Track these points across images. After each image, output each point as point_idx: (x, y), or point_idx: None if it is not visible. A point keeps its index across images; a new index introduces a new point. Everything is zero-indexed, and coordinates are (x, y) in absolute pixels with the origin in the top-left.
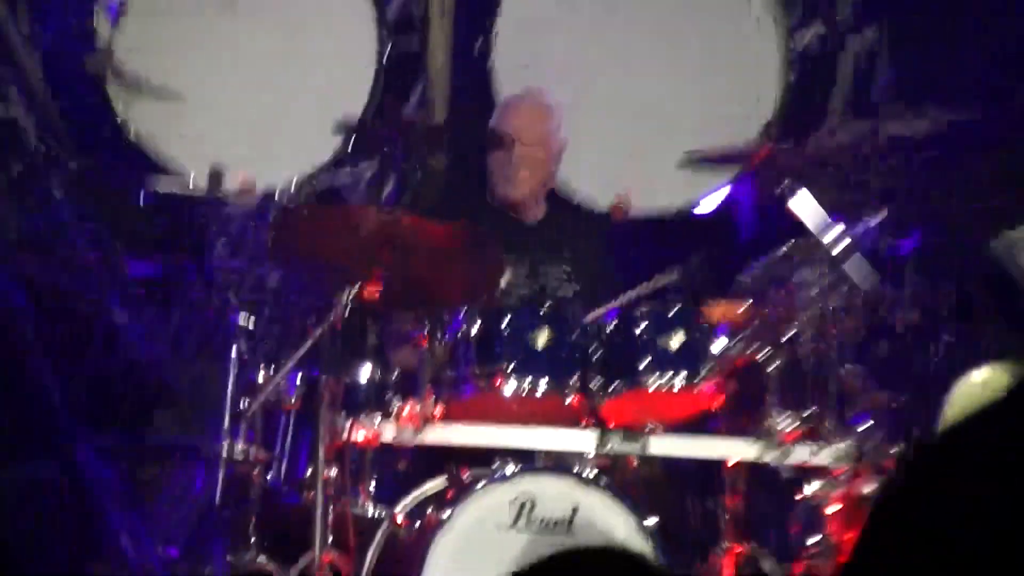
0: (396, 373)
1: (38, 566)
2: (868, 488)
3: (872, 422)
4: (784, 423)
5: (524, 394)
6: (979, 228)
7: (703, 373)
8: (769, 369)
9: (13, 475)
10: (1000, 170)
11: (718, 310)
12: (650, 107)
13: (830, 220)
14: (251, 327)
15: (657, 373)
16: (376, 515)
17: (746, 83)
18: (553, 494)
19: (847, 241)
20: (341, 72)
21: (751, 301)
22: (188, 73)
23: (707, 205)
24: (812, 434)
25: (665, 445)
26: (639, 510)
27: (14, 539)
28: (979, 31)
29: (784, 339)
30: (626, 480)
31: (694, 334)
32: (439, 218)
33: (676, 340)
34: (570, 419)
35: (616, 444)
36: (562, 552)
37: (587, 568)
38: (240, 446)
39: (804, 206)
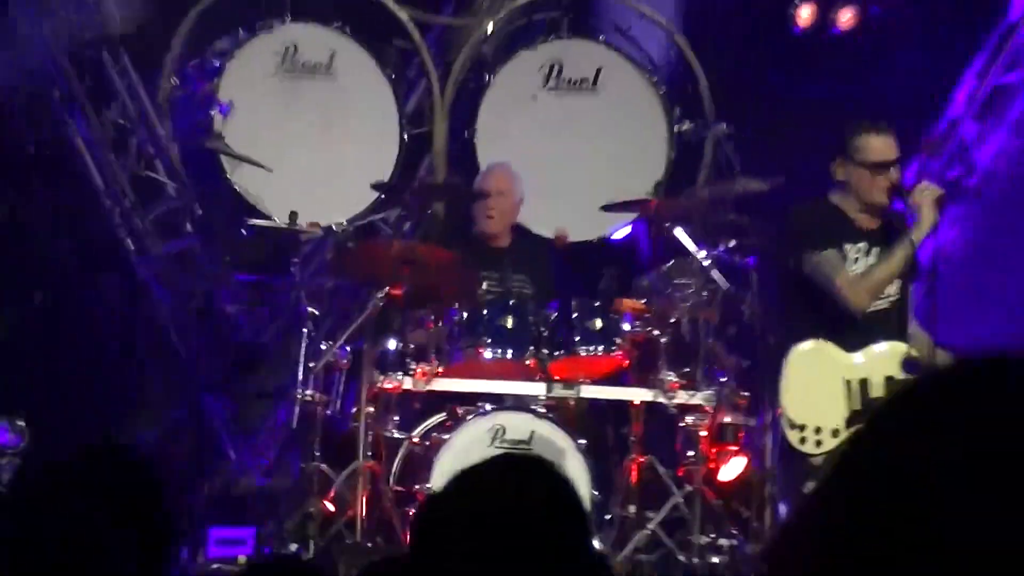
0: (412, 346)
1: (179, 476)
2: (727, 419)
3: (726, 377)
4: (670, 377)
5: (497, 359)
6: (795, 251)
7: (616, 345)
8: (661, 342)
9: (161, 420)
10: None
11: (626, 304)
12: (582, 171)
13: (698, 245)
14: (316, 315)
15: (586, 345)
16: (399, 437)
17: (644, 156)
18: (517, 423)
19: (710, 259)
20: (376, 148)
21: (648, 298)
22: (272, 148)
23: (618, 235)
24: (689, 384)
25: (592, 391)
26: (575, 434)
27: (161, 457)
28: (799, 124)
29: (670, 322)
30: (566, 414)
31: (610, 319)
32: (441, 246)
33: (598, 323)
34: (528, 375)
35: (559, 391)
36: (498, 456)
37: (516, 465)
38: (309, 392)
39: (682, 236)
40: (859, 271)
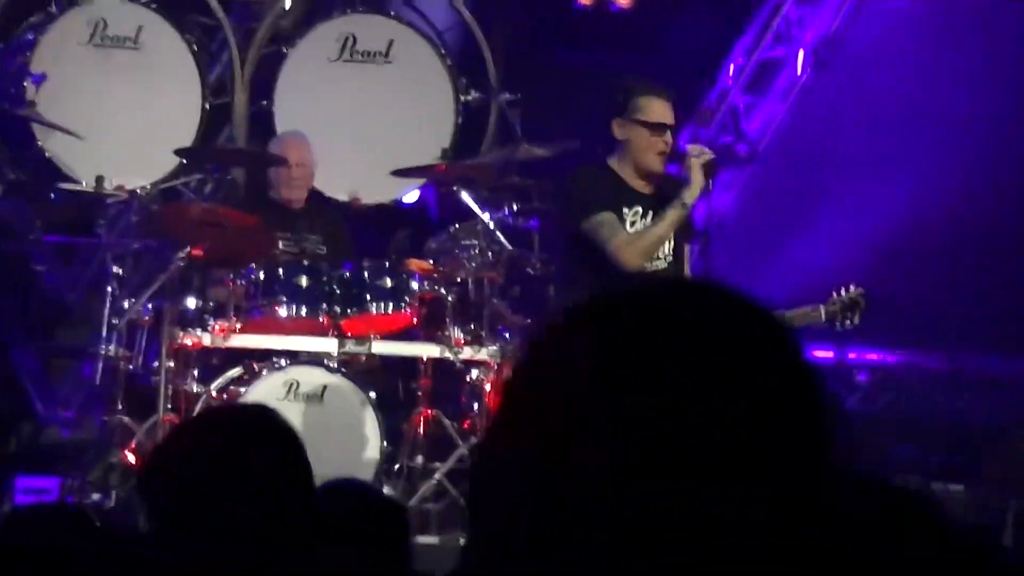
0: (212, 304)
1: None
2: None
3: (510, 335)
4: (457, 334)
5: (292, 316)
6: (574, 213)
7: (405, 303)
8: (448, 301)
9: None
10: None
11: (415, 264)
12: (374, 138)
13: (483, 208)
14: (121, 274)
15: (377, 303)
16: (198, 391)
17: (433, 123)
18: (310, 378)
19: (494, 222)
20: (180, 116)
21: (436, 259)
22: (83, 117)
23: (409, 198)
24: (475, 340)
25: (383, 347)
26: (367, 388)
27: None
28: (580, 93)
29: (457, 282)
30: (358, 369)
31: (400, 279)
32: (240, 208)
33: (388, 282)
34: (322, 332)
35: (351, 347)
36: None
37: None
38: (113, 348)
39: (468, 200)
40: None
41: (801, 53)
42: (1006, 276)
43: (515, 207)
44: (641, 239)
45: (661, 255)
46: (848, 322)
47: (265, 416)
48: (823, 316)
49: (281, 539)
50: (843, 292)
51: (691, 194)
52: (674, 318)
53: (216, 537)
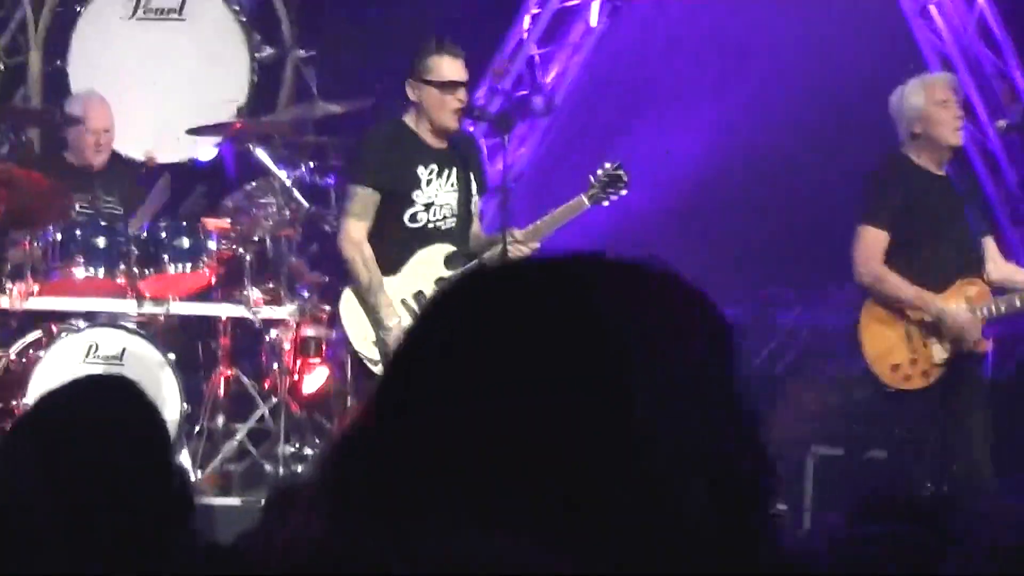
0: (9, 265)
1: None
2: (309, 332)
3: (309, 293)
4: (255, 293)
5: (90, 277)
6: (349, 173)
7: (203, 263)
8: (246, 259)
9: None
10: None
11: (212, 223)
12: (169, 95)
13: (279, 166)
14: None
15: (174, 263)
16: None
17: (228, 81)
18: (109, 340)
19: (291, 179)
20: None
21: (233, 217)
22: None
23: (205, 157)
24: (273, 300)
25: (181, 307)
26: (166, 349)
27: None
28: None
29: (254, 240)
30: (157, 330)
31: (198, 237)
32: (37, 170)
33: (185, 242)
34: (120, 293)
35: (149, 307)
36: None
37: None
38: None
39: (264, 157)
40: (429, 199)
41: (596, 2)
42: (807, 221)
43: (312, 164)
44: (353, 244)
45: (449, 212)
46: (615, 195)
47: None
48: (587, 202)
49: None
50: (599, 172)
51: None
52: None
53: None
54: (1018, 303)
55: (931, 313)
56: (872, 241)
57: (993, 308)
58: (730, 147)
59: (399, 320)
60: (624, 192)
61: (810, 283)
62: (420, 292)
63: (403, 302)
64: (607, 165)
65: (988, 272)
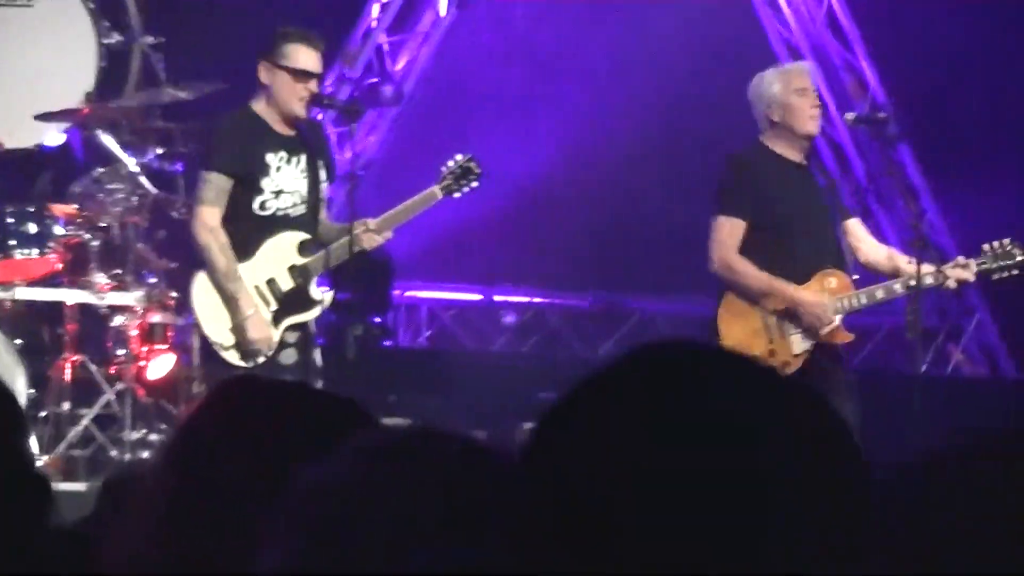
0: None
1: None
2: (156, 318)
3: (156, 279)
4: (102, 279)
5: None
6: (202, 160)
7: (50, 248)
8: (92, 245)
9: None
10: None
11: (59, 208)
12: (16, 81)
13: (127, 152)
14: None
15: (21, 248)
16: None
17: (76, 66)
18: None
19: (139, 166)
20: None
21: (80, 203)
22: None
23: (52, 142)
24: (120, 286)
25: (28, 293)
26: (11, 334)
27: None
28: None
29: (101, 227)
30: (2, 315)
31: (44, 223)
32: None
33: (32, 227)
34: None
35: None
36: None
37: None
38: None
39: (111, 143)
40: (278, 186)
41: None
42: (647, 218)
43: (160, 151)
44: (208, 231)
45: (299, 199)
46: (467, 187)
47: None
48: (439, 193)
49: None
50: (451, 164)
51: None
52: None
53: None
54: (880, 295)
55: (786, 302)
56: (727, 231)
57: (854, 300)
58: (577, 145)
59: (255, 309)
60: (476, 184)
61: (664, 280)
62: (272, 279)
63: (256, 288)
64: (458, 157)
65: (859, 254)
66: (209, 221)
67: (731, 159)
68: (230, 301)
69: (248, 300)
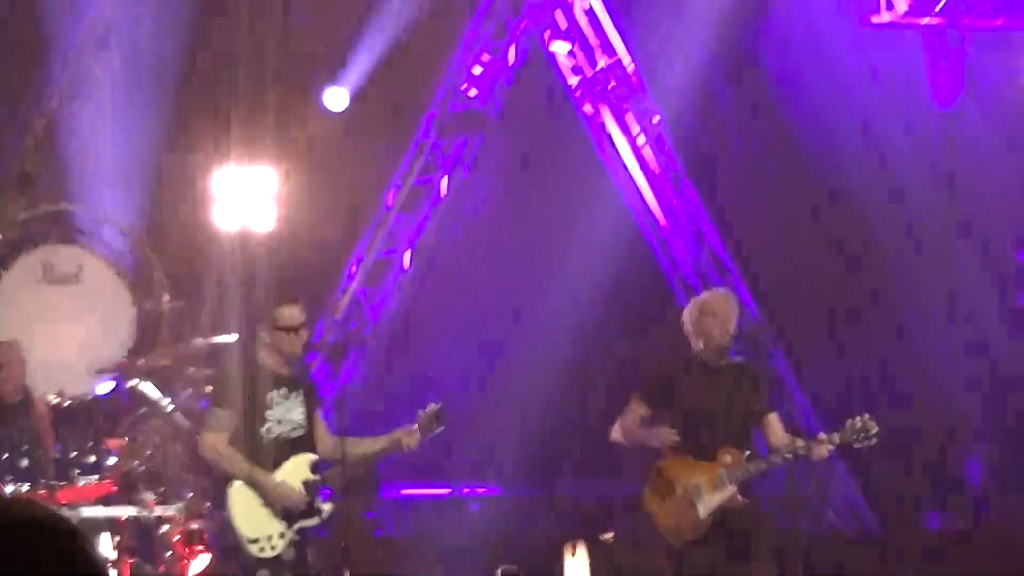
0: None
1: None
2: (194, 525)
3: (192, 493)
4: (149, 496)
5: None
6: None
7: (106, 474)
8: (140, 470)
9: None
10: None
11: (111, 442)
12: (73, 342)
13: (163, 394)
14: None
15: (83, 476)
16: None
17: (118, 328)
18: None
19: (174, 405)
20: None
21: (127, 436)
22: None
23: (103, 390)
24: (164, 500)
25: (90, 511)
26: None
27: None
28: None
29: (147, 454)
30: None
31: (100, 455)
32: None
33: (91, 459)
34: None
35: (65, 513)
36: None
37: None
38: None
39: (150, 388)
40: (279, 416)
41: (408, 253)
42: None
43: (188, 392)
44: (210, 449)
45: (296, 422)
46: (431, 434)
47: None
48: (419, 435)
49: None
50: (421, 413)
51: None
52: None
53: None
54: (763, 466)
55: None
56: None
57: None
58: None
59: (282, 479)
60: (440, 430)
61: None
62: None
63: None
64: (431, 406)
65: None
66: (210, 442)
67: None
68: (255, 483)
69: (270, 475)
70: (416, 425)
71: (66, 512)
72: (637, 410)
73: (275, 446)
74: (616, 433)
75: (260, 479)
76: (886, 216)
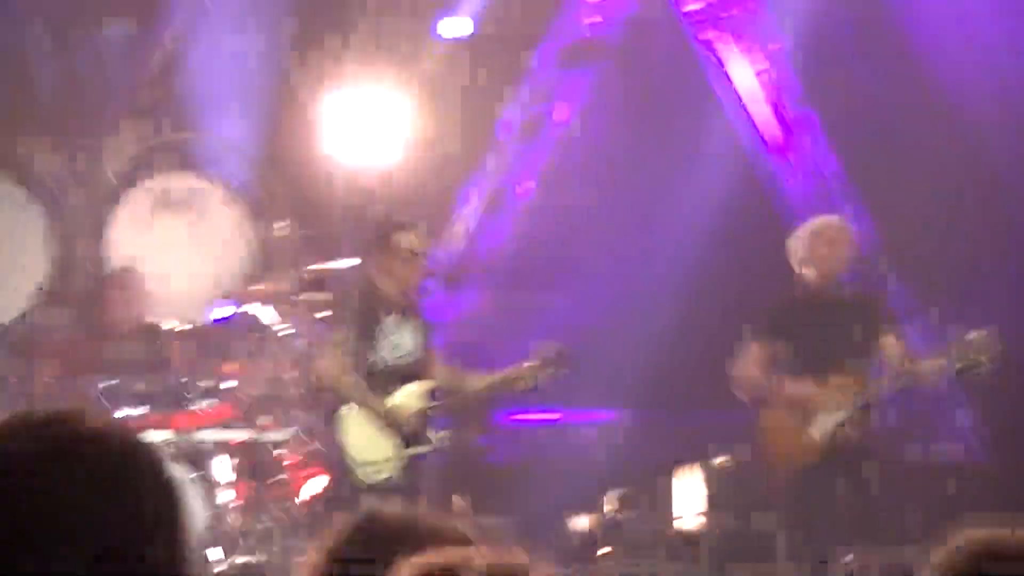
0: None
1: None
2: (309, 448)
3: (305, 415)
4: (264, 420)
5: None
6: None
7: (221, 398)
8: (255, 394)
9: None
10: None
11: (227, 367)
12: (190, 269)
13: (278, 320)
14: None
15: (199, 400)
16: None
17: (236, 253)
18: None
19: (290, 331)
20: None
21: (244, 361)
22: None
23: (222, 315)
24: (278, 424)
25: (204, 435)
26: (192, 469)
27: None
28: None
29: (265, 379)
30: (185, 455)
31: (217, 380)
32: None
33: (206, 383)
34: (156, 426)
35: (180, 437)
36: None
37: None
38: None
39: (266, 313)
40: (394, 343)
41: (525, 182)
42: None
43: (304, 317)
44: (326, 371)
45: (409, 349)
46: (559, 372)
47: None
48: (537, 375)
49: None
50: (541, 351)
51: None
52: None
53: None
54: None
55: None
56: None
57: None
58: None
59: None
60: (561, 373)
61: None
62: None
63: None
64: (552, 345)
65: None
66: (330, 365)
67: None
68: (368, 408)
69: (382, 401)
70: (534, 363)
71: (182, 436)
72: (756, 352)
73: (388, 372)
74: (737, 373)
75: (373, 404)
76: (1008, 148)
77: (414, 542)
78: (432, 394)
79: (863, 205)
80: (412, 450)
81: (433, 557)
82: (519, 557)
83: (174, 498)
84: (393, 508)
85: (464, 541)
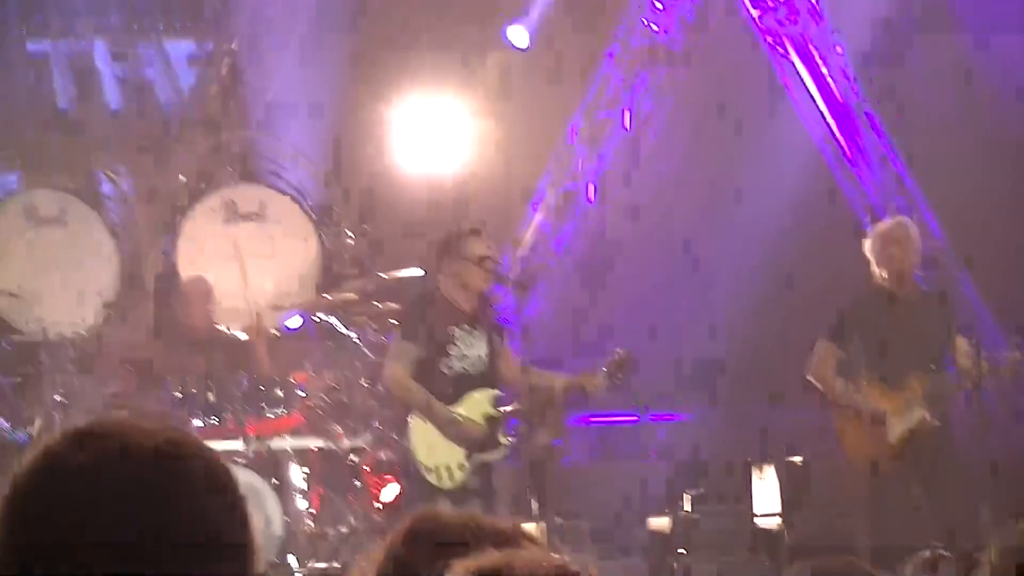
0: None
1: None
2: (382, 456)
3: (379, 424)
4: (338, 428)
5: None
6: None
7: (294, 407)
8: (328, 402)
9: None
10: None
11: (298, 376)
12: (260, 278)
13: (348, 329)
14: None
15: (272, 409)
16: None
17: (304, 263)
18: None
19: (360, 341)
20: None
21: (315, 371)
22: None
23: (293, 324)
24: (352, 432)
25: (279, 443)
26: (267, 477)
27: None
28: None
29: (333, 388)
30: (261, 462)
31: (288, 388)
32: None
33: (280, 392)
34: (231, 435)
35: (254, 445)
36: None
37: None
38: None
39: (336, 323)
40: (463, 352)
41: (591, 186)
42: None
43: (374, 326)
44: (394, 380)
45: (477, 357)
46: (625, 378)
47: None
48: (604, 381)
49: None
50: (610, 358)
51: None
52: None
53: None
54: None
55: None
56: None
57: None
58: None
59: (459, 414)
60: (632, 375)
61: None
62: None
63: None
64: (619, 352)
65: None
66: (395, 374)
67: None
68: (434, 416)
69: (448, 409)
70: (602, 370)
71: (258, 443)
72: (829, 351)
73: (457, 380)
74: (811, 375)
75: (439, 412)
76: None
77: (472, 543)
78: (498, 400)
79: (931, 206)
80: (483, 455)
81: (482, 559)
82: (573, 561)
83: (239, 513)
84: (452, 510)
85: (525, 542)
